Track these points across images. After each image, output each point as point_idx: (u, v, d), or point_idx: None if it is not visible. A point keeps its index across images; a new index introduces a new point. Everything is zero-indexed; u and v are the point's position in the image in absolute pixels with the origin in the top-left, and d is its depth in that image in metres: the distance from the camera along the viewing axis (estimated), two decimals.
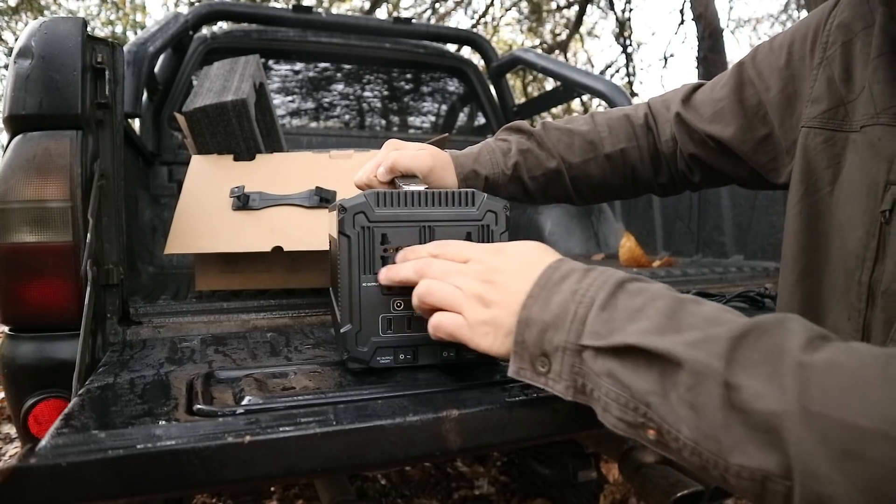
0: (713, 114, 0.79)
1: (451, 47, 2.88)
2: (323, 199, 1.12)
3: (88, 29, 0.89)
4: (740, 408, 0.38)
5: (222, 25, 2.64)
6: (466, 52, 3.46)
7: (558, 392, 0.50)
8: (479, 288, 0.53)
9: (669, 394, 0.42)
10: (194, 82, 2.19)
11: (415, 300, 0.58)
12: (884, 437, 0.33)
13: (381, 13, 8.33)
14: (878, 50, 0.61)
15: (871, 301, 0.59)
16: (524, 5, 8.90)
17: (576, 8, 8.25)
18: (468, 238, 0.66)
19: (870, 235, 0.59)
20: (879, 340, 0.57)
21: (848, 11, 0.65)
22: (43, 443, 0.46)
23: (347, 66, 2.69)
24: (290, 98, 2.63)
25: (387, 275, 0.61)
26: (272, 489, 1.88)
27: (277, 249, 1.05)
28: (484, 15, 8.80)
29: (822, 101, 0.66)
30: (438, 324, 0.56)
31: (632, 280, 0.49)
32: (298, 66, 2.63)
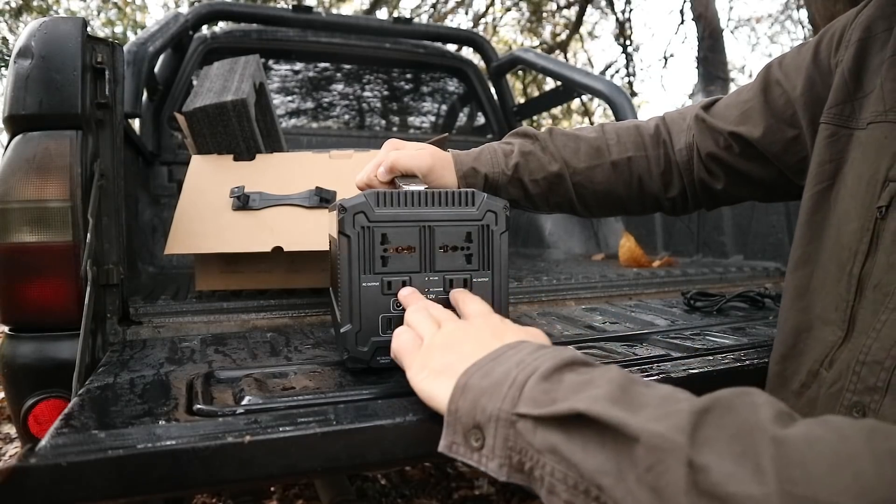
0: (740, 115, 0.79)
1: (451, 47, 2.88)
2: (323, 199, 1.12)
3: (88, 29, 0.89)
4: (710, 492, 0.32)
5: (222, 25, 2.64)
6: (467, 52, 3.46)
7: (492, 471, 0.43)
8: (440, 340, 0.53)
9: (626, 474, 0.36)
10: (194, 82, 2.19)
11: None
12: None
13: (382, 13, 8.33)
14: (893, 49, 0.61)
15: (860, 293, 0.60)
16: (524, 5, 8.90)
17: (576, 8, 8.25)
18: (468, 238, 0.67)
19: (864, 229, 0.61)
20: (864, 332, 0.58)
21: (873, 10, 0.66)
22: (43, 443, 0.46)
23: (347, 66, 2.69)
24: (290, 98, 2.63)
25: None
26: (272, 489, 1.87)
27: (277, 249, 1.05)
28: (484, 15, 8.80)
29: (833, 96, 0.67)
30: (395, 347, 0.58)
31: (584, 362, 0.45)
32: (298, 66, 2.63)
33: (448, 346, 0.52)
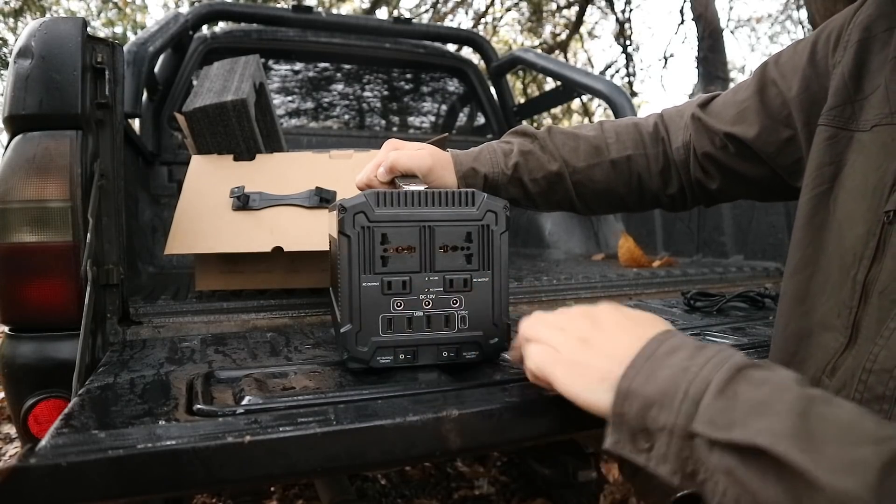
0: (736, 115, 0.78)
1: (451, 47, 2.88)
2: (323, 199, 1.12)
3: (88, 29, 0.89)
4: None
5: (222, 25, 2.64)
6: (467, 52, 3.46)
7: (663, 474, 0.44)
8: (575, 344, 0.53)
9: None
10: (194, 82, 2.19)
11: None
12: None
13: (382, 13, 8.33)
14: None
15: (864, 299, 0.59)
16: (524, 5, 8.90)
17: (576, 8, 8.25)
18: (468, 238, 0.67)
19: (870, 234, 0.59)
20: (870, 339, 0.57)
21: (872, 10, 0.65)
22: (43, 443, 0.46)
23: (347, 66, 2.70)
24: (290, 98, 2.64)
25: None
26: (272, 489, 1.87)
27: (277, 250, 1.05)
28: (484, 15, 8.81)
29: (833, 98, 0.66)
30: (529, 365, 0.56)
31: (753, 366, 0.44)
32: (298, 66, 2.63)
33: (585, 350, 0.52)
